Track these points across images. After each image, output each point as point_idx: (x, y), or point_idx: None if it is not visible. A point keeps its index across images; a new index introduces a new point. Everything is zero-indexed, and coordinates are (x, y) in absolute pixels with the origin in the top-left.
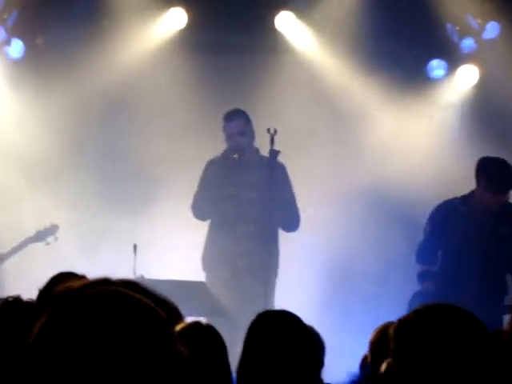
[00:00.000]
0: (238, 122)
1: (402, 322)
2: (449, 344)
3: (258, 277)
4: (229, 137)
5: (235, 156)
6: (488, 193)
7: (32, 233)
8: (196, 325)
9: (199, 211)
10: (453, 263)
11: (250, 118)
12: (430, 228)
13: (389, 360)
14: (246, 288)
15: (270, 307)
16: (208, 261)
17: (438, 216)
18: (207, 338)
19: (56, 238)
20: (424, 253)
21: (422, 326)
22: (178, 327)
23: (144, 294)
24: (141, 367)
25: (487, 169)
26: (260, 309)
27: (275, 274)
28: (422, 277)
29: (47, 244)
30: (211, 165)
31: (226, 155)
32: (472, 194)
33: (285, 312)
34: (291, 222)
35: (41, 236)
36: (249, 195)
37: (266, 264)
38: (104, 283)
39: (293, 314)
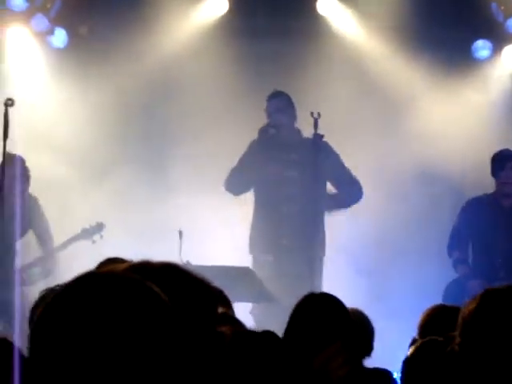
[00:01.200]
0: (277, 100)
1: (476, 304)
2: None
3: (302, 257)
4: (268, 115)
5: (272, 131)
6: (495, 178)
7: (78, 231)
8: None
9: (231, 184)
10: (481, 254)
11: (293, 100)
12: (458, 221)
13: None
14: (290, 269)
15: (315, 288)
16: (253, 242)
17: (465, 210)
18: None
19: (101, 236)
20: (455, 243)
21: (496, 309)
22: None
23: (184, 277)
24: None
25: (492, 159)
26: (305, 291)
27: (322, 252)
28: (456, 262)
29: (93, 242)
30: (253, 144)
31: (265, 134)
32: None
33: (327, 296)
34: (353, 192)
35: (87, 234)
36: (291, 174)
37: (309, 244)
38: (144, 266)
39: (335, 297)
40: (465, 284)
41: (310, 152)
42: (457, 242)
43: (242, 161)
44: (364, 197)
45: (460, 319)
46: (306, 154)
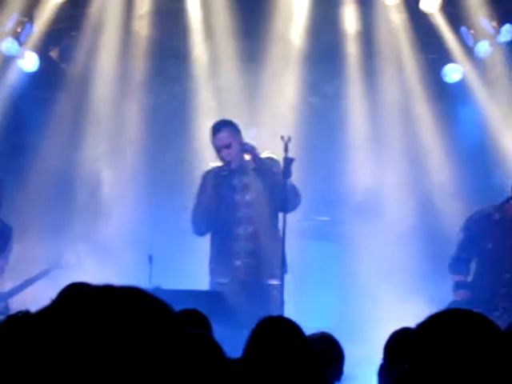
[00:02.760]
0: (222, 135)
1: (419, 328)
2: (465, 350)
3: (258, 276)
4: (217, 151)
5: (225, 173)
6: None
7: (53, 259)
8: None
9: (194, 227)
10: (488, 271)
11: (237, 125)
12: (462, 238)
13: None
14: (244, 289)
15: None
16: (211, 266)
17: (470, 226)
18: None
19: (78, 259)
20: (457, 263)
21: (438, 332)
22: None
23: (146, 301)
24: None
25: None
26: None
27: (280, 272)
28: (456, 286)
29: (69, 267)
30: (206, 174)
31: (219, 167)
32: (506, 202)
33: (283, 320)
34: (287, 202)
35: (63, 260)
36: (244, 198)
37: (267, 264)
38: (106, 290)
39: (291, 321)
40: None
41: (263, 172)
42: (456, 262)
43: (198, 199)
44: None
45: (410, 342)
46: (259, 175)
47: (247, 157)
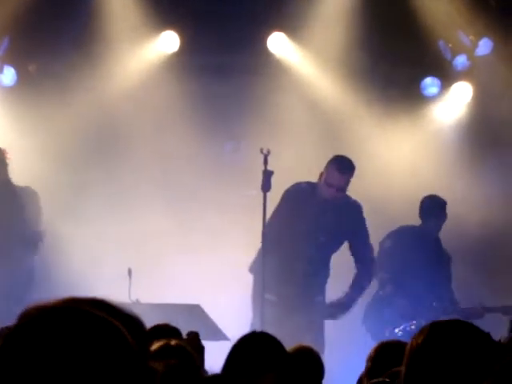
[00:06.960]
0: (348, 176)
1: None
2: (464, 362)
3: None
4: (329, 186)
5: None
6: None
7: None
8: (165, 345)
9: None
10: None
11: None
12: (385, 246)
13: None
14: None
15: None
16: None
17: (393, 238)
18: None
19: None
20: (380, 266)
21: (437, 345)
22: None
23: (112, 312)
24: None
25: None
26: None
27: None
28: (387, 281)
29: None
30: (289, 197)
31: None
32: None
33: (265, 334)
34: (369, 275)
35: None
36: (318, 237)
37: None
38: (69, 302)
39: (272, 336)
40: (391, 302)
41: (344, 217)
42: (381, 265)
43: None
44: None
45: (407, 351)
46: (339, 217)
47: None
